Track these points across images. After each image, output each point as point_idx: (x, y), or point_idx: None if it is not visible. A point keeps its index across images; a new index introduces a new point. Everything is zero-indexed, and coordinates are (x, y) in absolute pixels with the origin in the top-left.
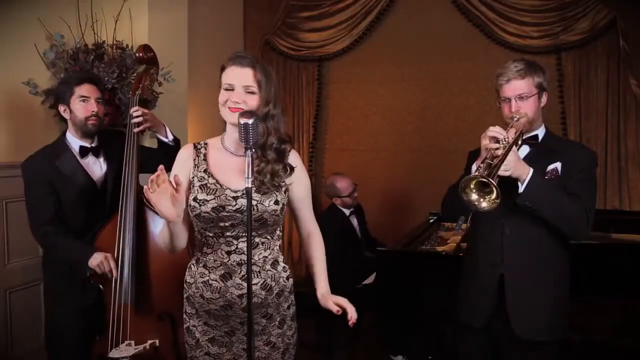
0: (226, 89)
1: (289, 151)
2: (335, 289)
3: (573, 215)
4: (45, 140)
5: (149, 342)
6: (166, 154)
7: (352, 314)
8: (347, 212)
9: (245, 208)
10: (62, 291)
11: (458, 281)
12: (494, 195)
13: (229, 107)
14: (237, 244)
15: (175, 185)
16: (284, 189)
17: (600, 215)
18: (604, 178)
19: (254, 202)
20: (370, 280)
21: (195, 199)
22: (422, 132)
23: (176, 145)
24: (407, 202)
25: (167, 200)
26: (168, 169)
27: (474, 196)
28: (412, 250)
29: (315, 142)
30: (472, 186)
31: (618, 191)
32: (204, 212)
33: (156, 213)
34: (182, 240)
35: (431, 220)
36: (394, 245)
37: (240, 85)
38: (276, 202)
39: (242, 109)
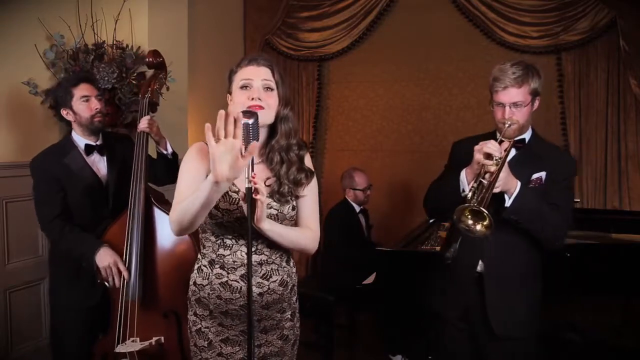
0: (243, 86)
1: (303, 155)
2: (335, 289)
3: (552, 228)
4: (45, 140)
5: (154, 338)
6: (166, 165)
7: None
8: (357, 208)
9: (267, 217)
10: (68, 290)
11: (433, 274)
12: (486, 222)
13: (249, 107)
14: (256, 245)
15: (244, 153)
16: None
17: (600, 215)
18: (603, 178)
19: (274, 212)
20: (370, 280)
21: (217, 208)
22: (422, 132)
23: (174, 159)
24: (407, 202)
25: (228, 159)
26: (168, 181)
27: (470, 221)
28: (411, 250)
29: (315, 142)
30: (466, 213)
31: (618, 191)
32: (227, 222)
33: (163, 211)
34: (200, 220)
35: (431, 220)
36: (393, 245)
37: (259, 79)
38: (293, 208)
39: (263, 107)
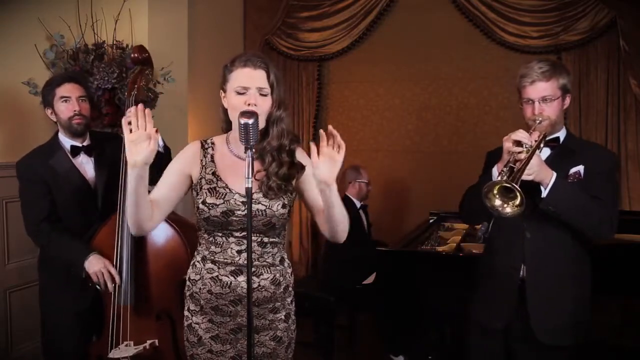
0: (239, 93)
1: (294, 149)
2: (336, 289)
3: (596, 219)
4: (45, 140)
5: (148, 342)
6: (157, 163)
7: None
8: (358, 204)
9: (255, 213)
10: (59, 293)
11: (475, 282)
12: (517, 201)
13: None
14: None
15: (153, 136)
16: (291, 190)
17: None
18: None
19: (262, 207)
20: (370, 280)
21: (204, 202)
22: (422, 132)
23: (166, 152)
24: (407, 202)
25: (137, 146)
26: (159, 177)
27: (498, 202)
28: (412, 250)
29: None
30: (495, 192)
31: (618, 191)
32: (213, 216)
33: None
34: (141, 216)
35: (431, 220)
36: (393, 245)
37: (255, 86)
38: (284, 206)
39: (258, 112)
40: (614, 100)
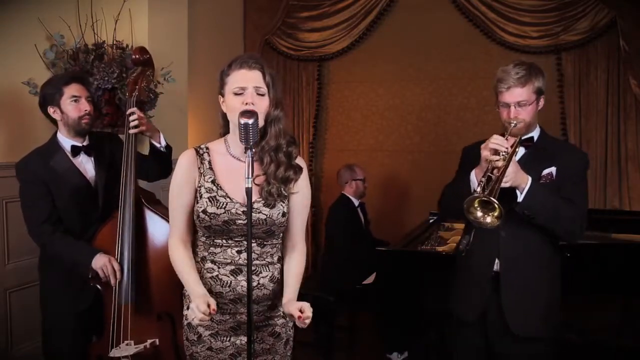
0: (237, 93)
1: (295, 155)
2: (336, 289)
3: (568, 221)
4: (45, 141)
5: (149, 341)
6: (158, 162)
7: (307, 313)
8: (356, 202)
9: (256, 221)
10: (59, 294)
11: (452, 276)
12: (496, 213)
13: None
14: (246, 244)
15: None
16: (287, 197)
17: (600, 215)
18: (603, 178)
19: (263, 217)
20: (370, 280)
21: (204, 212)
22: (422, 132)
23: (168, 152)
24: (407, 202)
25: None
26: (161, 175)
27: (479, 213)
28: (411, 250)
29: (315, 142)
30: (475, 205)
31: (618, 191)
32: (215, 225)
33: (154, 212)
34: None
35: (431, 220)
36: (393, 245)
37: (252, 86)
38: (283, 215)
39: (256, 111)
40: (614, 100)
